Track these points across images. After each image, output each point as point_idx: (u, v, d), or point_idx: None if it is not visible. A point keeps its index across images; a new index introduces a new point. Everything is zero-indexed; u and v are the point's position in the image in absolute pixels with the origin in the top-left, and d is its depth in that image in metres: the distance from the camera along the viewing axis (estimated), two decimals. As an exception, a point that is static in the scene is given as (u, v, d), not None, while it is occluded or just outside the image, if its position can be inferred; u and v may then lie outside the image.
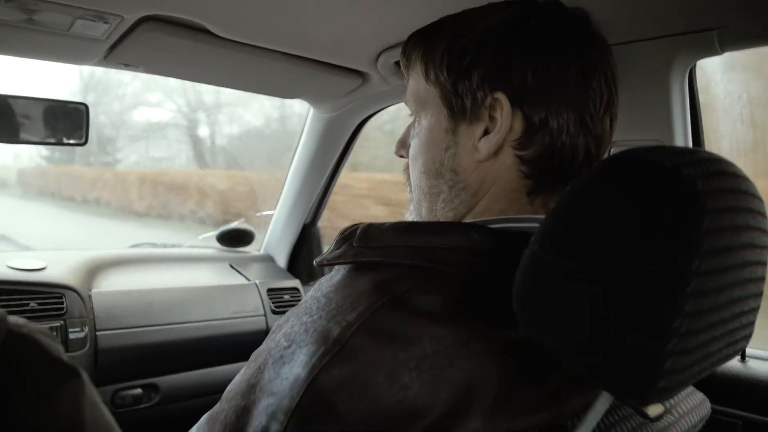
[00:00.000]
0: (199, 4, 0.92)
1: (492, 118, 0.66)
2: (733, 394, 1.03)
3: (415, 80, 0.74)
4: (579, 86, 0.65)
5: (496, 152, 0.66)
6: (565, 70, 0.64)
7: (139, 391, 1.45)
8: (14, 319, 0.37)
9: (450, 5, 0.77)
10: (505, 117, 0.64)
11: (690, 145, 1.01)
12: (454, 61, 0.68)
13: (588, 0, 0.83)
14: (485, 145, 0.66)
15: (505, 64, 0.65)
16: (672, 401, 0.66)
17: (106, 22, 0.94)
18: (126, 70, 1.19)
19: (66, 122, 1.24)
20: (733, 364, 1.06)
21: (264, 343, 0.64)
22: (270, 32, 1.04)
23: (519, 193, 0.67)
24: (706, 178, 0.46)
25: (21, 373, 0.34)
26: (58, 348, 0.38)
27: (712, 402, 0.73)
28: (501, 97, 0.64)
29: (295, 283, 1.86)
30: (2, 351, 0.34)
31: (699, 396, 0.71)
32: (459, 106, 0.68)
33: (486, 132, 0.66)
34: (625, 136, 1.03)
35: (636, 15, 0.89)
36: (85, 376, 0.38)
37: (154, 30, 0.99)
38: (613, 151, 1.06)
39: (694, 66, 1.00)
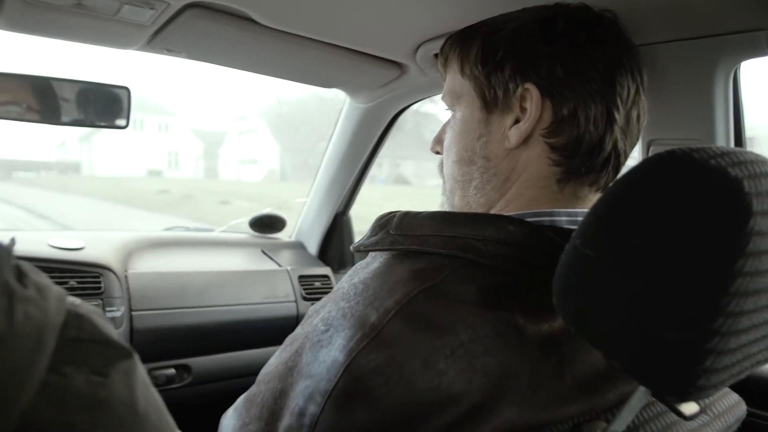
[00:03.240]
0: (244, -8, 0.93)
1: (522, 108, 0.69)
2: None
3: (452, 76, 0.78)
4: (606, 80, 0.67)
5: (526, 140, 0.69)
6: (593, 64, 0.67)
7: (172, 371, 1.49)
8: (71, 299, 0.38)
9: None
10: (534, 106, 0.67)
11: (732, 146, 1.00)
12: (488, 56, 0.71)
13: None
14: (515, 133, 0.69)
15: (535, 57, 0.68)
16: (707, 401, 0.66)
17: (152, 8, 0.95)
18: (168, 55, 1.20)
19: (109, 106, 1.26)
20: (771, 367, 1.04)
21: (300, 327, 0.65)
22: (312, 21, 1.04)
23: (549, 180, 0.69)
24: (752, 180, 0.45)
25: (77, 350, 0.36)
26: (111, 329, 0.40)
27: (747, 404, 0.72)
28: (531, 87, 0.68)
29: (326, 270, 1.88)
30: (62, 329, 0.35)
31: (734, 397, 0.71)
32: (491, 97, 0.71)
33: (516, 121, 0.69)
34: (666, 134, 1.02)
35: (682, 14, 0.87)
36: (136, 356, 0.39)
37: (198, 17, 1.00)
38: (653, 149, 1.05)
39: (739, 66, 0.98)
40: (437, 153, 0.82)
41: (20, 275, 0.34)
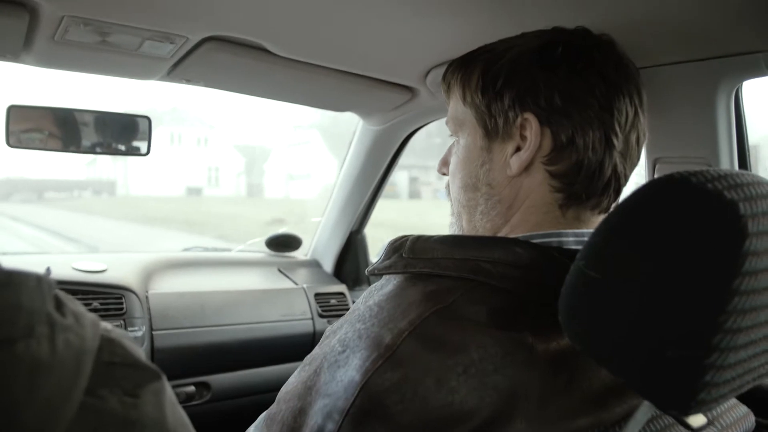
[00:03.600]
0: (259, 25, 0.97)
1: (523, 137, 0.70)
2: None
3: (454, 103, 0.79)
4: (603, 107, 0.68)
5: (527, 168, 0.70)
6: (590, 91, 0.68)
7: (192, 388, 1.52)
8: (104, 324, 0.42)
9: (498, 24, 0.81)
10: (534, 135, 0.69)
11: (735, 163, 1.02)
12: (488, 85, 0.73)
13: (635, 22, 0.85)
14: (516, 161, 0.70)
15: (534, 86, 0.69)
16: (715, 413, 0.67)
17: (171, 43, 1.00)
18: (187, 84, 1.25)
19: (130, 134, 1.31)
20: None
21: (318, 347, 0.68)
22: (324, 51, 1.08)
23: (551, 206, 0.70)
24: (748, 202, 0.47)
25: (110, 373, 0.39)
26: (140, 352, 0.43)
27: (756, 416, 0.73)
28: (530, 117, 0.69)
29: (342, 288, 1.90)
30: (97, 354, 0.38)
31: (743, 409, 0.72)
32: (492, 126, 0.72)
33: (517, 149, 0.71)
34: (671, 153, 1.04)
35: (684, 38, 0.90)
36: (164, 378, 0.42)
37: (216, 49, 1.05)
38: (658, 167, 1.07)
39: (741, 86, 1.01)
40: (444, 174, 0.84)
41: (59, 304, 0.37)
